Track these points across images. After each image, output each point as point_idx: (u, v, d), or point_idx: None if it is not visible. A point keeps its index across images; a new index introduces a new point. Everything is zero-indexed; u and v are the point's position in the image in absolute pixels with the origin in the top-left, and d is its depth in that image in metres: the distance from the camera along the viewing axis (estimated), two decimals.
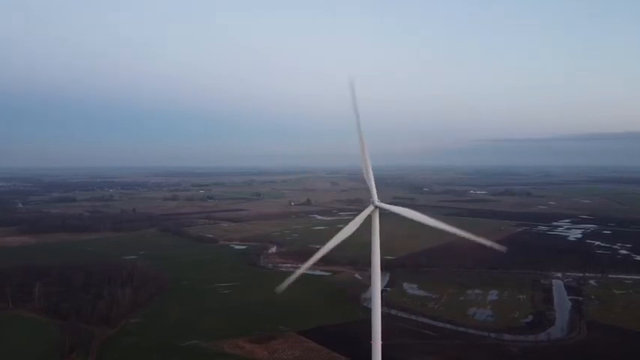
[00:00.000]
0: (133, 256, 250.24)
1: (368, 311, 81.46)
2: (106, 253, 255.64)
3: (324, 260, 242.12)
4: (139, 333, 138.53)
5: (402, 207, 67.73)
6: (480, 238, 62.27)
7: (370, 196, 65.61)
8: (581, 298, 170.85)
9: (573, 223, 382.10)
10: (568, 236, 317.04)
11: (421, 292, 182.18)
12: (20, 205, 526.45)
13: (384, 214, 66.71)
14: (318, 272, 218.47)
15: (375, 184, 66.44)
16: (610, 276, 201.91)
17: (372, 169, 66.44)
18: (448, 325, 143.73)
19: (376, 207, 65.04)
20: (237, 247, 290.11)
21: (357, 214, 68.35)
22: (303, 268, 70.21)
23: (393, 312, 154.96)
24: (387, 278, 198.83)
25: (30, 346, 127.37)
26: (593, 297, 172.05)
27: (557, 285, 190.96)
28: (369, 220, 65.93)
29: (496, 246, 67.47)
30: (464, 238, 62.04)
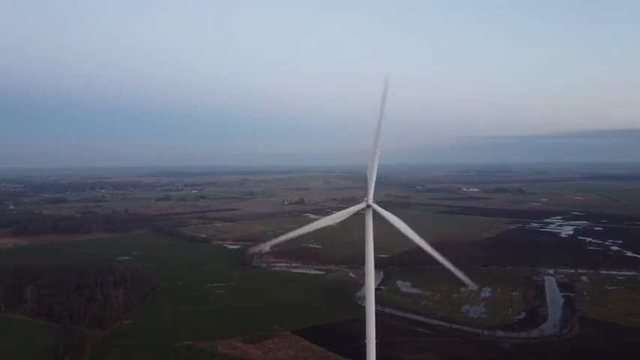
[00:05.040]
0: (126, 257, 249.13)
1: (362, 310, 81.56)
2: (98, 254, 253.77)
3: (318, 259, 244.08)
4: (133, 334, 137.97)
5: (392, 214, 67.67)
6: (457, 271, 63.65)
7: (366, 194, 65.68)
8: (573, 295, 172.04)
9: (565, 219, 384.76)
10: (560, 233, 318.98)
11: (415, 290, 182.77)
12: (12, 207, 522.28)
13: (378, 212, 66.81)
14: (312, 271, 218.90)
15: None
16: (602, 272, 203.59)
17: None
18: (442, 323, 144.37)
19: (368, 206, 65.13)
20: (230, 246, 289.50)
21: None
22: (287, 236, 70.42)
23: (387, 310, 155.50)
24: (381, 276, 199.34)
25: (23, 350, 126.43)
26: (585, 293, 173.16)
27: (550, 281, 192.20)
28: (362, 219, 65.98)
29: (469, 283, 68.90)
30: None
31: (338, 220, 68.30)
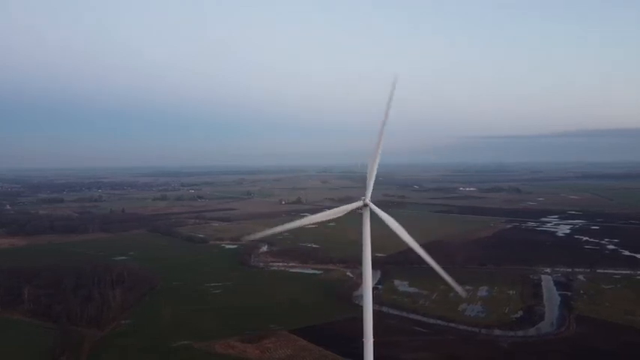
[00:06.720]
0: (123, 257, 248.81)
1: (359, 309, 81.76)
2: (95, 254, 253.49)
3: (316, 259, 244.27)
4: (130, 334, 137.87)
5: (387, 215, 67.17)
6: (447, 276, 63.73)
7: (364, 192, 65.49)
8: (570, 293, 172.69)
9: (562, 218, 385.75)
10: (557, 232, 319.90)
11: (412, 289, 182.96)
12: (8, 207, 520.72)
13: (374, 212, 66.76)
14: (310, 271, 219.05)
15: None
16: (598, 271, 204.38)
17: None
18: (439, 322, 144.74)
19: (365, 205, 64.97)
20: (227, 246, 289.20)
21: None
22: (277, 229, 70.19)
23: (385, 309, 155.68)
24: (378, 275, 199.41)
25: (20, 350, 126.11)
26: (581, 292, 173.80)
27: (547, 280, 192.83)
28: (359, 218, 65.89)
29: (458, 288, 69.30)
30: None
31: (337, 216, 68.01)
